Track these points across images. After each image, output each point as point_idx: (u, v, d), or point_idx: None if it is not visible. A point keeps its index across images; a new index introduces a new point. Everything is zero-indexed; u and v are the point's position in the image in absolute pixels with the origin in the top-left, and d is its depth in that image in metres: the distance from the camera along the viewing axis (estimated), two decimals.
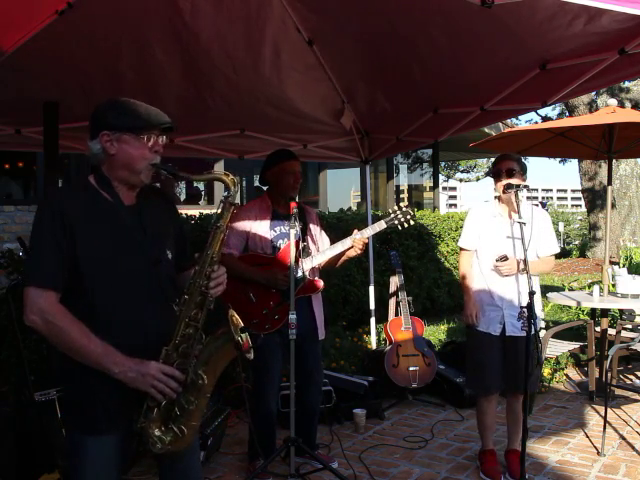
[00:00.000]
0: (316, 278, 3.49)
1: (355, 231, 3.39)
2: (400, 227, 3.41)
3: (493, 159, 3.69)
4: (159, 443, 1.88)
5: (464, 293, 3.51)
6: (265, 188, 3.64)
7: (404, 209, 3.41)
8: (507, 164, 3.31)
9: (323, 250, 3.51)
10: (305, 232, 3.51)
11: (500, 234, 3.37)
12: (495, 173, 3.35)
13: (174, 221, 2.16)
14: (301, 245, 3.44)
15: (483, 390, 3.43)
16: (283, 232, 3.40)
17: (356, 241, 3.34)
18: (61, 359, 1.86)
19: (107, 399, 1.85)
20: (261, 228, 3.42)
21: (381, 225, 3.38)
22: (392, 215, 3.41)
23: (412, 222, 3.43)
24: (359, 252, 3.39)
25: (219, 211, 1.98)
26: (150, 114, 1.91)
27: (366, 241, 3.38)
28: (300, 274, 3.39)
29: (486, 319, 3.37)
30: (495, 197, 3.57)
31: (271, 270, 3.33)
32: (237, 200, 2.02)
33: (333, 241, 3.58)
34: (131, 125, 1.88)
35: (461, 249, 3.58)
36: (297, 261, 3.37)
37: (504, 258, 3.26)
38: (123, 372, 1.80)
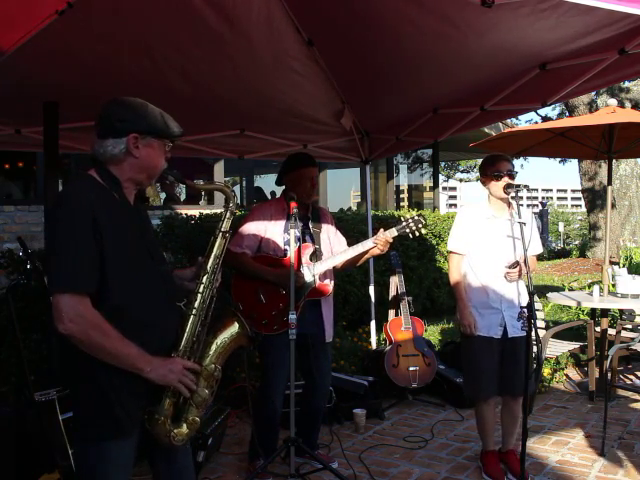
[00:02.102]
0: (326, 282, 3.49)
1: (381, 230, 3.40)
2: (411, 235, 3.42)
3: None
4: (180, 436, 1.93)
5: (458, 300, 3.42)
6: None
7: (416, 218, 3.41)
8: (507, 165, 3.30)
9: (337, 253, 3.50)
10: (318, 235, 3.52)
11: (497, 235, 3.34)
12: (493, 174, 3.31)
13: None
14: (312, 248, 3.44)
15: (482, 396, 3.40)
16: (297, 235, 3.37)
17: (379, 239, 3.34)
18: (81, 363, 1.82)
19: (129, 399, 1.85)
20: (275, 230, 3.44)
21: (392, 233, 3.38)
22: (404, 223, 3.42)
23: (423, 231, 3.44)
24: (382, 250, 3.38)
25: (222, 218, 2.12)
26: (174, 123, 1.97)
27: (390, 240, 3.38)
28: (310, 278, 3.39)
29: (486, 323, 3.32)
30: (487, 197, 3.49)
31: (284, 270, 3.33)
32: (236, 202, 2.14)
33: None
34: (159, 132, 1.92)
35: (451, 252, 3.49)
36: (307, 264, 3.39)
37: (515, 265, 3.22)
38: (155, 370, 1.83)
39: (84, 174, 1.94)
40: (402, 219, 3.45)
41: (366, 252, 3.43)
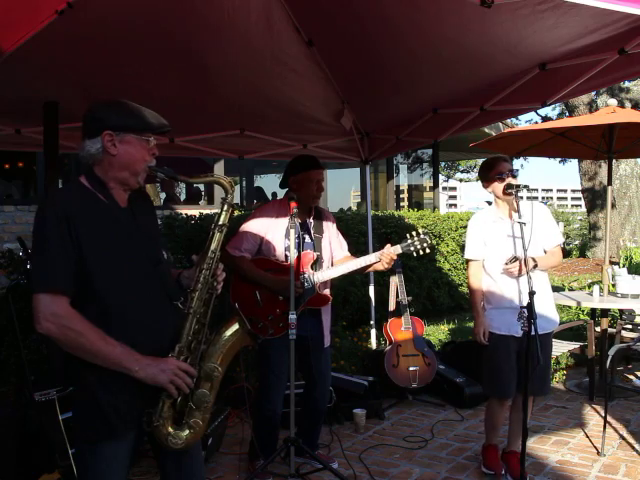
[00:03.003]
0: (326, 291, 3.49)
1: (387, 246, 3.39)
2: (415, 254, 3.42)
3: None
4: (177, 439, 1.90)
5: (473, 309, 3.45)
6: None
7: (422, 236, 3.41)
8: (507, 165, 3.31)
9: (338, 263, 3.49)
10: (319, 241, 3.49)
11: (504, 236, 3.34)
12: (496, 176, 3.29)
13: (156, 219, 2.19)
14: (314, 256, 3.42)
15: (501, 394, 3.38)
16: (296, 234, 3.31)
17: (384, 255, 3.34)
18: (69, 363, 1.84)
19: (121, 399, 1.84)
20: (276, 234, 3.39)
21: (397, 250, 3.38)
22: (409, 241, 3.41)
23: (428, 250, 3.43)
24: (386, 266, 3.39)
25: (219, 212, 2.04)
26: (151, 117, 1.93)
27: (395, 257, 3.38)
28: (310, 285, 3.37)
29: (506, 322, 3.29)
30: (492, 201, 3.50)
31: (283, 278, 3.31)
32: (236, 201, 2.06)
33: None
34: (135, 126, 1.88)
35: (468, 261, 3.50)
36: (307, 272, 3.37)
37: (513, 259, 3.22)
38: (143, 369, 1.81)
39: (73, 180, 1.96)
40: (407, 237, 3.44)
41: (369, 265, 3.43)
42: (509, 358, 3.31)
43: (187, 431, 1.91)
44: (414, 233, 3.44)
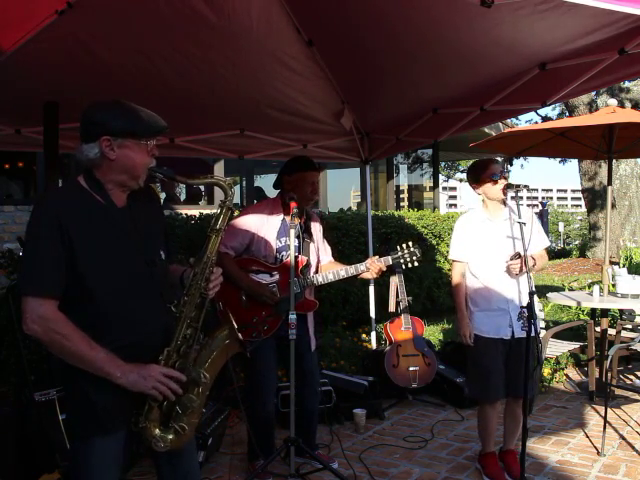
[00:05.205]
0: (312, 297, 3.50)
1: (376, 257, 3.43)
2: (404, 266, 3.47)
3: None
4: (162, 442, 1.90)
5: (457, 309, 3.42)
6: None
7: (411, 249, 3.43)
8: (499, 167, 3.31)
9: (328, 271, 3.47)
10: (308, 246, 3.47)
11: (495, 237, 3.33)
12: (490, 177, 3.28)
13: (161, 219, 2.18)
14: (303, 259, 3.40)
15: (490, 397, 3.38)
16: (289, 244, 3.28)
17: (374, 265, 3.36)
18: (62, 362, 1.85)
19: (111, 397, 1.85)
20: (268, 235, 3.35)
21: (387, 261, 3.41)
22: (399, 253, 3.44)
23: (416, 264, 3.46)
24: (375, 276, 3.42)
25: (217, 214, 2.03)
26: (150, 119, 1.90)
27: (384, 269, 3.41)
28: (298, 290, 3.35)
29: (494, 325, 3.30)
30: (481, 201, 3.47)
31: (259, 283, 3.30)
32: (236, 201, 2.06)
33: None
34: (134, 131, 1.85)
35: (453, 261, 3.49)
36: (297, 277, 3.35)
37: (517, 256, 3.20)
38: (125, 376, 1.81)
39: (70, 180, 1.94)
40: (398, 248, 3.47)
41: (358, 274, 3.45)
42: (498, 361, 3.31)
43: (172, 435, 1.91)
44: (404, 245, 3.45)
